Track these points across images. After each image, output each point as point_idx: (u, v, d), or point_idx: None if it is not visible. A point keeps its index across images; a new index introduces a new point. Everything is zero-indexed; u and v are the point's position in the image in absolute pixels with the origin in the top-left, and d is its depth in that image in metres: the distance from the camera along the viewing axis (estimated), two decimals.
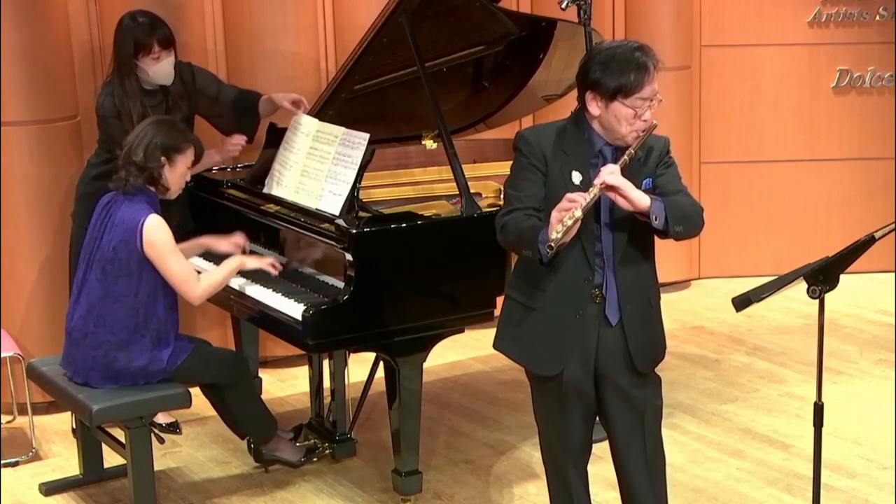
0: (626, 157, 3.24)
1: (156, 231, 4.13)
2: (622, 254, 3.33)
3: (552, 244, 3.12)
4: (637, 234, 3.34)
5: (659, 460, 3.56)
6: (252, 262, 4.35)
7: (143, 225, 4.13)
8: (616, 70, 3.22)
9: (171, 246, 4.16)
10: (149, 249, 4.13)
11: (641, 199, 3.21)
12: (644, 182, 3.31)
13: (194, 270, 4.25)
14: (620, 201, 3.21)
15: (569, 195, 3.17)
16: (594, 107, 3.28)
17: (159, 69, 4.83)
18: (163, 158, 4.22)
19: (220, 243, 4.52)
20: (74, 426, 4.94)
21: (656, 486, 3.56)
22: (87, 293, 4.25)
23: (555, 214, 3.16)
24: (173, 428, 5.07)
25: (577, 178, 3.30)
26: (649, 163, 3.36)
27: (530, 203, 3.32)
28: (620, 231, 3.32)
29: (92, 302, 4.22)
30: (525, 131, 3.43)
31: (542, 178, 3.31)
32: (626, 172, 3.25)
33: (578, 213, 3.13)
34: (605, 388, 3.44)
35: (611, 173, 3.19)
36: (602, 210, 3.31)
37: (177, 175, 4.28)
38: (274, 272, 4.33)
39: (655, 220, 3.22)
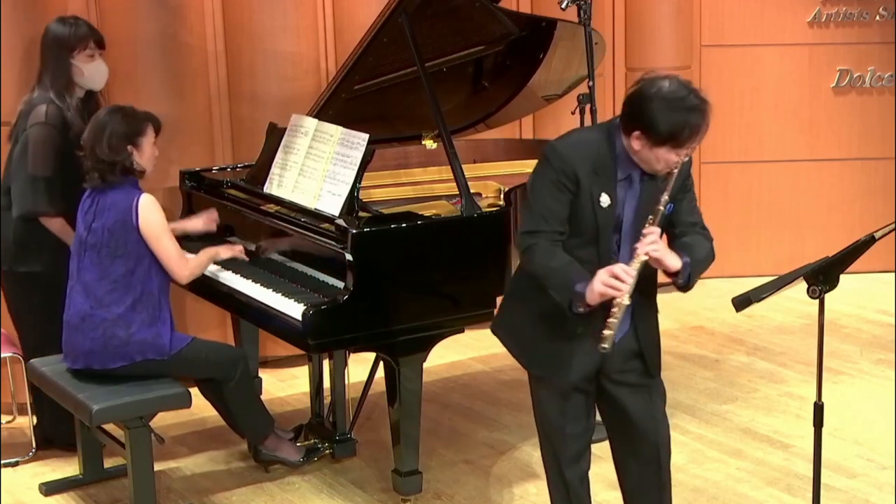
0: (661, 208, 3.20)
1: (151, 209, 4.20)
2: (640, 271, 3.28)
3: (605, 345, 3.11)
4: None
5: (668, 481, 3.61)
6: (225, 252, 4.47)
7: (137, 203, 4.18)
8: (673, 122, 3.12)
9: (165, 224, 4.24)
10: (144, 227, 4.18)
11: (675, 264, 3.22)
12: (668, 207, 3.25)
13: (183, 252, 4.34)
14: (655, 264, 3.23)
15: (615, 271, 3.13)
16: (637, 144, 3.20)
17: (95, 69, 4.79)
18: (129, 147, 4.25)
19: (196, 223, 4.69)
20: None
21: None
22: (81, 281, 4.28)
23: (601, 288, 3.12)
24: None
25: (605, 201, 3.26)
26: (675, 185, 3.28)
27: (556, 226, 3.26)
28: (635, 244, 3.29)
29: (88, 287, 4.25)
30: (559, 145, 3.31)
31: (569, 198, 3.26)
32: (646, 195, 3.27)
33: (626, 301, 3.13)
34: (612, 389, 3.44)
35: (652, 242, 3.16)
36: (624, 230, 3.31)
37: (146, 157, 4.32)
38: (245, 258, 4.48)
39: (679, 278, 3.25)
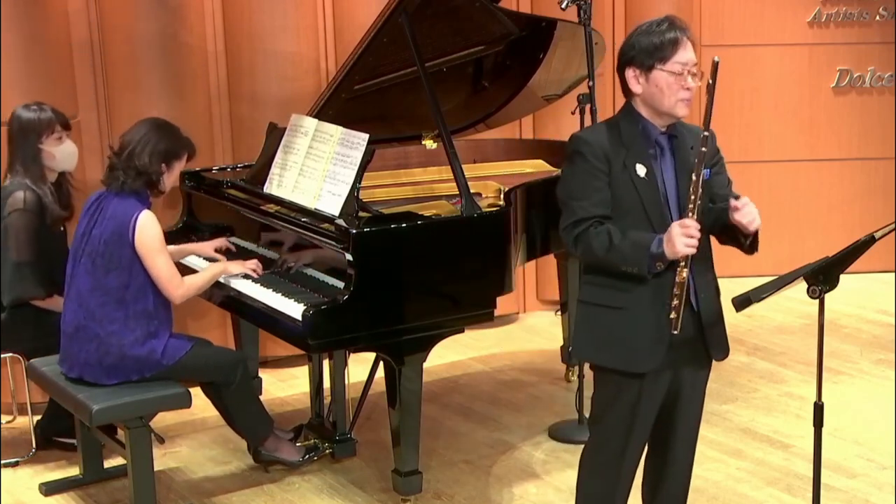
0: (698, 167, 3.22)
1: (148, 227, 4.18)
2: None
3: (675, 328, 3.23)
4: (703, 224, 3.32)
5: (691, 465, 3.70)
6: (234, 268, 4.44)
7: (136, 220, 4.17)
8: (648, 41, 3.26)
9: (160, 244, 4.22)
10: (139, 244, 4.17)
11: (758, 223, 3.27)
12: (704, 172, 3.30)
13: (178, 272, 4.30)
14: (745, 228, 3.26)
15: (691, 231, 3.17)
16: (635, 84, 3.30)
17: (65, 150, 4.78)
18: (163, 165, 4.27)
19: (205, 248, 4.66)
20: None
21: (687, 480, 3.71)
22: (76, 287, 4.27)
23: (684, 249, 3.17)
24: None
25: (641, 170, 3.29)
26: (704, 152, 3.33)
27: (598, 211, 3.28)
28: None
29: (82, 295, 4.24)
30: (582, 133, 3.41)
31: (606, 179, 3.29)
32: (681, 161, 3.29)
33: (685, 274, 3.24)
34: (679, 382, 3.44)
35: (752, 214, 3.26)
36: (671, 200, 3.32)
37: (172, 179, 4.37)
38: (255, 276, 4.42)
39: (747, 240, 3.32)
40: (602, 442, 3.54)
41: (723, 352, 3.48)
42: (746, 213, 3.25)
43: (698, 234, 3.18)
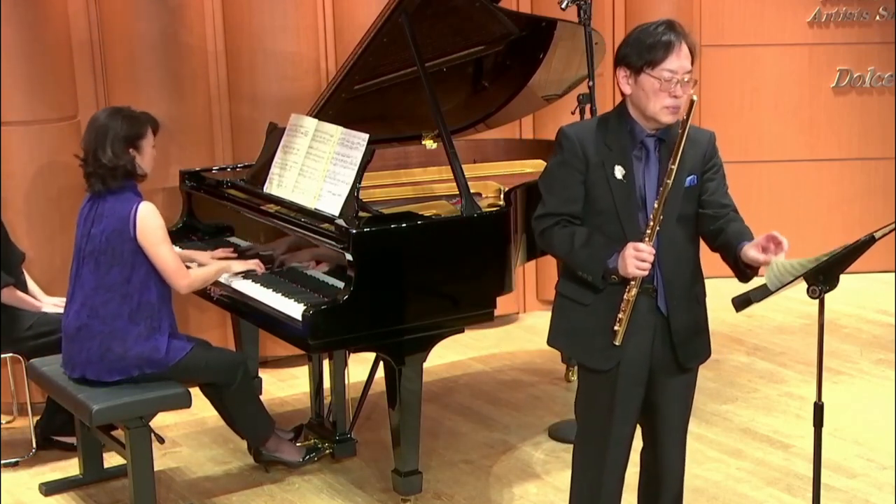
0: (669, 181, 3.20)
1: (149, 218, 4.18)
2: (667, 248, 3.29)
3: (617, 340, 3.25)
4: (680, 230, 3.33)
5: (681, 467, 3.62)
6: (237, 266, 4.45)
7: (136, 212, 4.16)
8: (642, 43, 3.25)
9: (163, 234, 4.21)
10: (141, 236, 4.16)
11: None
12: (689, 179, 3.30)
13: (182, 262, 4.31)
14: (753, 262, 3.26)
15: (644, 256, 3.18)
16: (625, 85, 3.28)
17: None
18: (131, 151, 4.24)
19: (205, 258, 4.62)
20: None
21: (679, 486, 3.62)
22: (80, 288, 4.27)
23: (634, 272, 3.18)
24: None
25: (619, 172, 3.27)
26: (694, 156, 3.33)
27: (566, 209, 3.30)
28: (666, 227, 3.28)
29: (86, 294, 4.24)
30: (567, 126, 3.40)
31: (580, 176, 3.29)
32: (665, 167, 3.24)
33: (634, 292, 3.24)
34: (656, 384, 3.43)
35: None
36: (648, 205, 3.29)
37: (147, 158, 4.32)
38: (260, 271, 4.43)
39: (746, 275, 3.30)
40: (585, 433, 3.54)
41: (695, 360, 3.46)
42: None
43: (651, 259, 3.19)
